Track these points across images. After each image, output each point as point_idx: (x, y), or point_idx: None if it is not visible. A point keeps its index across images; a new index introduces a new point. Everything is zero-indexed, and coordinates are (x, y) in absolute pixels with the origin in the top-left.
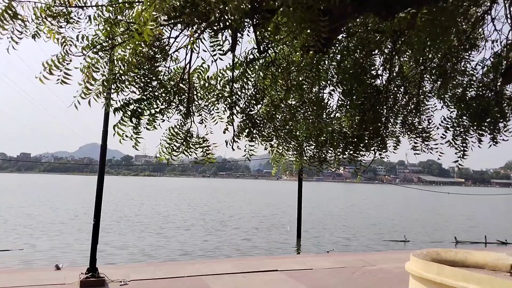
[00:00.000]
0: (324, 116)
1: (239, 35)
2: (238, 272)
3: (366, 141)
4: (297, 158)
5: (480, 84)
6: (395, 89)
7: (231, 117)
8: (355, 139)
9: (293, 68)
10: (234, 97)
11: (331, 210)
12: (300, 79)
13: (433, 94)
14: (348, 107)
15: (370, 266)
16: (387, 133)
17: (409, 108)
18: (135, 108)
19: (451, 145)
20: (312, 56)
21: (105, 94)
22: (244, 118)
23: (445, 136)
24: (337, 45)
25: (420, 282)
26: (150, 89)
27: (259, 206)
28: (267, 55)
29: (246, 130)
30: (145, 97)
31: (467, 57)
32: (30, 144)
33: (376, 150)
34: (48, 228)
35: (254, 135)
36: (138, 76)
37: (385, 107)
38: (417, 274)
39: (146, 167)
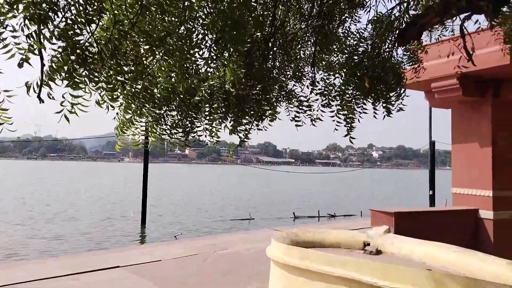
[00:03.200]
0: (196, 66)
1: None
2: (68, 274)
3: (253, 104)
4: (153, 128)
5: (370, 48)
6: (275, 48)
7: (37, 41)
8: (240, 101)
9: None
10: (45, 5)
11: (178, 193)
12: None
13: (314, 57)
14: (231, 55)
15: (222, 250)
16: (267, 98)
17: (288, 72)
18: None
19: (336, 115)
20: None
21: None
22: (65, 45)
23: (329, 106)
24: None
25: (283, 268)
26: None
27: (98, 192)
28: None
29: (66, 67)
30: None
31: (354, 16)
32: None
33: (258, 117)
34: None
35: (82, 78)
36: None
37: (269, 65)
38: (279, 260)
39: None
